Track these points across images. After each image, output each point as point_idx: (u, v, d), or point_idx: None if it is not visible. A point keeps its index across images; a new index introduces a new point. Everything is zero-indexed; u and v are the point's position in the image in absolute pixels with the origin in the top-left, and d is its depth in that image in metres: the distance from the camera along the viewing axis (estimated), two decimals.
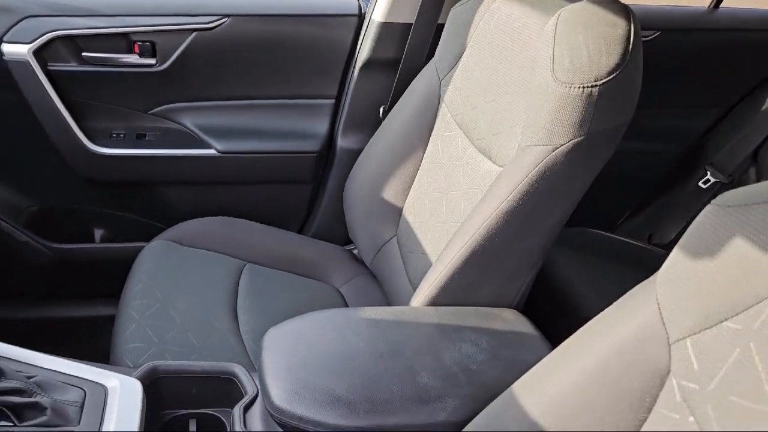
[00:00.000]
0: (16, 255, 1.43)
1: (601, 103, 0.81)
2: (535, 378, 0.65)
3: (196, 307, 1.12)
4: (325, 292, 1.29)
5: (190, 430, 0.85)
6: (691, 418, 0.54)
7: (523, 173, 0.85)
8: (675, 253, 0.57)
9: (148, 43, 1.34)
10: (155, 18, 1.32)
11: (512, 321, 0.88)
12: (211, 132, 1.44)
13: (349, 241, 1.40)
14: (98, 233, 1.52)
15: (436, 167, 1.15)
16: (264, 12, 1.38)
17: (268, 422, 0.75)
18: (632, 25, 0.82)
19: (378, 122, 1.34)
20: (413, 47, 1.34)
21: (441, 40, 1.21)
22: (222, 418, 0.85)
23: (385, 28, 1.34)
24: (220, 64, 1.39)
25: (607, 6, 0.85)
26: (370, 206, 1.26)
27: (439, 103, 1.17)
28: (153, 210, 1.50)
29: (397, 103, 1.28)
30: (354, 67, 1.41)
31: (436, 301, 0.92)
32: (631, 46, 0.81)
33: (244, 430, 0.76)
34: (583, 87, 0.80)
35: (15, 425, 0.69)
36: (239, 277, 1.24)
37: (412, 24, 1.32)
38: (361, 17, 1.40)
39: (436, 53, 1.21)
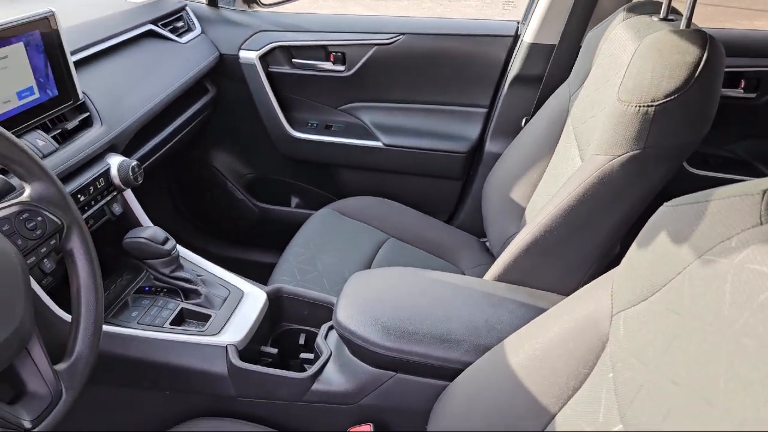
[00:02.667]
0: (234, 209, 1.88)
1: (658, 122, 0.88)
2: (520, 337, 0.80)
3: (337, 262, 1.38)
4: (449, 271, 1.44)
5: (300, 342, 1.13)
6: (611, 374, 0.66)
7: (584, 177, 0.95)
8: (632, 246, 0.69)
9: (340, 54, 1.67)
10: (347, 34, 1.65)
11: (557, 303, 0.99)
12: (380, 127, 1.71)
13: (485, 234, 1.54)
14: (292, 199, 1.89)
15: (555, 173, 1.26)
16: (433, 31, 1.62)
17: (339, 339, 0.99)
18: (706, 53, 0.87)
19: (520, 131, 1.47)
20: (555, 66, 1.47)
21: (577, 60, 1.32)
22: None
23: (534, 48, 1.49)
24: (393, 73, 1.66)
25: (685, 35, 0.90)
26: (501, 204, 1.39)
27: (566, 117, 1.29)
28: (329, 185, 1.81)
29: (535, 115, 1.41)
30: (505, 81, 1.57)
31: (501, 278, 1.07)
32: (698, 72, 0.86)
33: (324, 341, 1.01)
34: (640, 106, 0.89)
35: (182, 301, 1.04)
36: (380, 247, 1.46)
37: (555, 45, 1.45)
38: (516, 38, 1.56)
39: (572, 72, 1.33)
